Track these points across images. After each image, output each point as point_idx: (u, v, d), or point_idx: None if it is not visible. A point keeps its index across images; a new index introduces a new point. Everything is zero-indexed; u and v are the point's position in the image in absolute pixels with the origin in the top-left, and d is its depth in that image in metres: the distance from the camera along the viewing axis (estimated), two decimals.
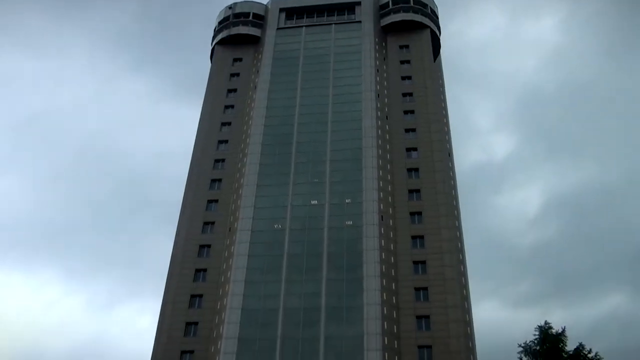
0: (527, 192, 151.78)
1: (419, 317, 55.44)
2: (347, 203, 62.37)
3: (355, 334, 53.49)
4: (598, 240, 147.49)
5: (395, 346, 53.52)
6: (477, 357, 54.66)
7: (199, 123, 74.71)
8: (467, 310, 56.55)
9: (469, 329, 55.44)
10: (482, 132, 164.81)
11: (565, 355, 32.98)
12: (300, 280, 57.67)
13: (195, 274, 61.32)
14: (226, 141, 72.12)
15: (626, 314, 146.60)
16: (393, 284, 57.18)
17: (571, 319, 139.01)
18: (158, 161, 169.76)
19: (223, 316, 56.37)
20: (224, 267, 60.58)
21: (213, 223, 64.94)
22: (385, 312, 54.70)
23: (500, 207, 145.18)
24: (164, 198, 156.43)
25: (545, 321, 34.45)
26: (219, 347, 54.45)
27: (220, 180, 68.50)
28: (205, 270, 61.61)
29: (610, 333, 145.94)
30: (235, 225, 62.36)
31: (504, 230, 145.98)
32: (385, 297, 55.63)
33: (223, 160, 70.28)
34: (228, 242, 62.35)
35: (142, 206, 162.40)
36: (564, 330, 34.02)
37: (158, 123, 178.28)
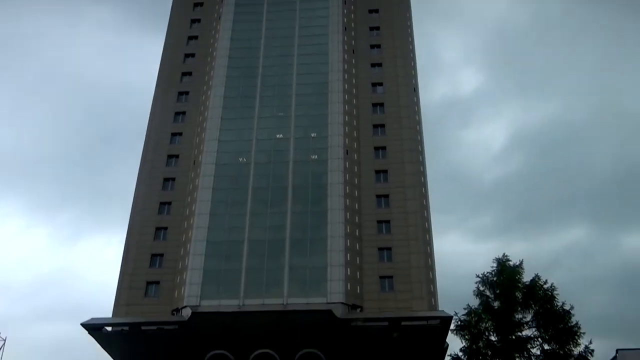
0: (494, 127, 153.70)
1: (381, 249, 56.72)
2: (313, 137, 62.51)
3: (318, 265, 54.57)
4: (561, 175, 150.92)
5: (358, 277, 54.81)
6: (437, 287, 56.32)
7: (162, 54, 73.32)
8: (428, 243, 57.94)
9: (429, 260, 56.91)
10: (450, 67, 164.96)
11: (521, 286, 34.19)
12: (265, 213, 58.18)
13: (159, 207, 61.41)
14: (190, 73, 71.08)
15: (585, 246, 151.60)
16: (357, 217, 58.10)
17: (531, 251, 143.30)
18: (123, 92, 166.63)
19: (188, 248, 56.86)
20: (189, 200, 60.73)
21: (177, 156, 64.66)
22: (348, 244, 55.76)
23: (466, 142, 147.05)
24: (129, 130, 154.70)
25: (504, 254, 35.61)
26: (184, 278, 55.12)
27: (184, 113, 67.82)
28: (169, 203, 61.70)
29: (569, 265, 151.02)
30: (200, 159, 62.20)
31: (469, 165, 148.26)
32: (348, 230, 56.59)
33: (187, 92, 69.46)
34: (192, 175, 62.30)
35: (107, 138, 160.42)
36: (521, 263, 35.20)
37: (123, 53, 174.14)
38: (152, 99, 69.33)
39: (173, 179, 63.15)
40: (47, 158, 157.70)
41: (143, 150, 65.21)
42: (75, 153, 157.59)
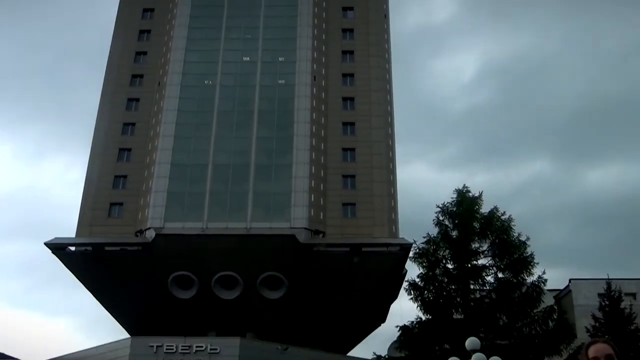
0: (465, 58, 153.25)
1: (345, 177, 57.19)
2: (280, 61, 61.69)
3: (283, 191, 54.94)
4: (529, 108, 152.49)
5: (321, 203, 55.42)
6: (399, 215, 57.37)
7: None
8: (391, 171, 58.55)
9: (392, 188, 57.66)
10: None
11: (479, 217, 34.90)
12: (230, 137, 57.89)
13: (123, 128, 60.52)
14: None
15: (548, 179, 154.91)
16: (322, 144, 58.22)
17: (495, 183, 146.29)
18: (87, 7, 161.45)
19: (152, 170, 56.59)
20: (153, 121, 59.97)
21: (142, 76, 63.30)
22: (313, 170, 56.05)
23: (435, 71, 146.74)
24: (94, 47, 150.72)
25: (464, 185, 36.03)
26: (148, 200, 55.10)
27: (149, 31, 65.95)
28: (133, 124, 60.80)
29: (532, 197, 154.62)
30: (165, 80, 61.08)
31: (438, 95, 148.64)
32: (313, 157, 56.77)
33: (152, 9, 67.30)
34: (157, 97, 61.29)
35: (71, 55, 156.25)
36: (480, 195, 35.69)
37: None
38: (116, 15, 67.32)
39: (137, 100, 62.10)
40: (9, 74, 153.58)
41: (106, 69, 63.73)
42: (38, 70, 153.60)
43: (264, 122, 58.27)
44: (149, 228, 53.40)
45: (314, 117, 58.68)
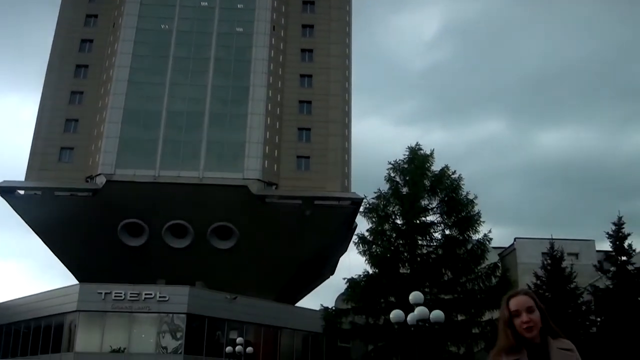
0: (427, 14, 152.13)
1: (300, 129, 57.06)
2: (239, 8, 60.48)
3: (237, 141, 54.56)
4: (488, 68, 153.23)
5: (276, 155, 55.30)
6: (352, 170, 57.73)
7: None
8: (346, 125, 58.60)
9: (347, 143, 57.82)
10: None
11: (430, 175, 35.28)
12: (185, 84, 56.92)
13: (76, 70, 59.00)
14: None
15: (501, 139, 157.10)
16: (278, 96, 57.77)
17: (450, 141, 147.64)
18: None
19: (105, 115, 55.49)
20: (107, 64, 58.51)
21: (96, 16, 61.45)
22: (268, 122, 55.72)
23: (397, 27, 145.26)
24: None
25: (417, 142, 36.21)
26: (99, 145, 54.18)
27: None
28: (86, 66, 59.32)
29: (484, 156, 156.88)
30: (120, 22, 59.40)
31: (397, 51, 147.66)
32: (269, 108, 56.36)
33: None
34: (112, 39, 59.69)
35: None
36: (432, 153, 35.90)
37: None
38: None
39: (91, 41, 60.40)
40: None
41: (60, 7, 61.69)
42: None
43: (220, 71, 57.38)
44: (100, 174, 52.65)
45: (272, 67, 58.03)
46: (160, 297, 44.34)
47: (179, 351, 43.73)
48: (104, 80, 57.71)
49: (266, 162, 54.17)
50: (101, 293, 44.25)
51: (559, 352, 3.59)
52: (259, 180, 53.21)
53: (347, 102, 59.76)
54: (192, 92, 56.46)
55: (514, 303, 3.72)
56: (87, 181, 53.52)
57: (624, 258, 33.70)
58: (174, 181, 51.59)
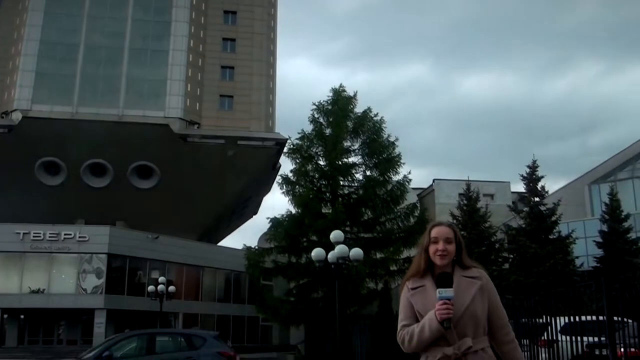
0: None
1: (224, 68, 56.17)
2: None
3: (158, 78, 53.30)
4: (416, 11, 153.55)
5: (198, 94, 54.43)
6: (277, 110, 57.60)
7: None
8: (271, 65, 58.08)
9: (271, 83, 57.42)
10: None
11: (353, 116, 35.59)
12: (104, 17, 54.72)
13: None
14: None
15: (425, 82, 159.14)
16: (201, 32, 56.44)
17: (375, 83, 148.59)
18: None
19: (20, 47, 53.01)
20: None
21: None
22: (190, 59, 54.53)
23: None
24: None
25: (340, 84, 36.26)
26: (14, 79, 51.92)
27: None
28: None
29: (408, 99, 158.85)
30: None
31: None
32: (192, 45, 55.09)
33: None
34: None
35: None
36: (355, 95, 36.04)
37: None
38: None
39: None
40: None
41: None
42: None
43: (140, 4, 55.38)
44: (15, 110, 50.66)
45: (194, 2, 56.39)
46: (80, 237, 43.67)
47: (100, 291, 43.47)
48: (19, 9, 54.73)
49: (188, 100, 53.28)
50: (19, 233, 43.20)
51: (462, 279, 3.87)
52: (180, 118, 52.40)
53: (272, 41, 59.07)
54: (112, 26, 54.45)
55: (435, 231, 3.96)
56: (2, 117, 51.43)
57: (536, 199, 35.10)
58: (92, 118, 50.17)
